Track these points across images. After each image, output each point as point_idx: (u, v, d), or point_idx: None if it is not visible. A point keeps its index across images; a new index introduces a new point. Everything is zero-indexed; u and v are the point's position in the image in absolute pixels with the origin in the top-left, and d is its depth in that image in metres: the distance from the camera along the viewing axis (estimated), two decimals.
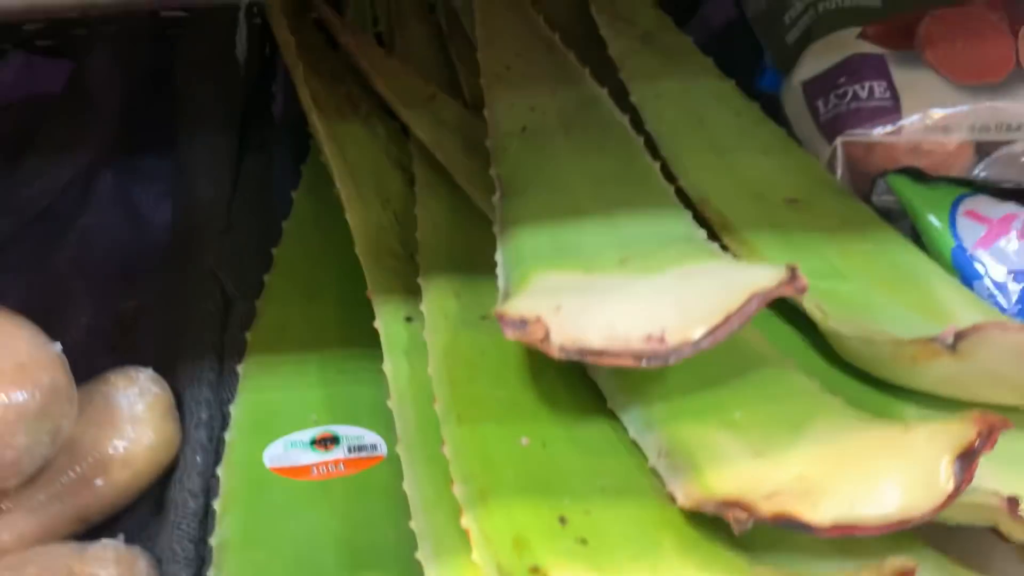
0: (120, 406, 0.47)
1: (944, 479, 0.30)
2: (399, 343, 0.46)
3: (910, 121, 0.56)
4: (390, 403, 0.44)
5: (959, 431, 0.31)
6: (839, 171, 0.56)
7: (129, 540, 0.46)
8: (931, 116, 0.56)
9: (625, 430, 0.39)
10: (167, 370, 0.52)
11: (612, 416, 0.39)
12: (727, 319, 0.33)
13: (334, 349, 0.53)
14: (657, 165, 0.49)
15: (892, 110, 0.56)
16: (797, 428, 0.35)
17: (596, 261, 0.40)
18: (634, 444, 0.38)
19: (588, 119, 0.53)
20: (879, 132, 0.56)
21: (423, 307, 0.46)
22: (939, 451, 0.31)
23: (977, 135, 0.57)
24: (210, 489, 0.47)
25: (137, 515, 0.48)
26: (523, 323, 0.34)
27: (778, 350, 0.42)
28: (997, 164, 0.58)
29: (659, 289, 0.36)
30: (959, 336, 0.36)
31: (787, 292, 0.33)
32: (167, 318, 0.57)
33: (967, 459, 0.30)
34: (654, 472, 0.36)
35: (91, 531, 0.47)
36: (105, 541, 0.44)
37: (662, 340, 0.33)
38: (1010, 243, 0.49)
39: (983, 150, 0.58)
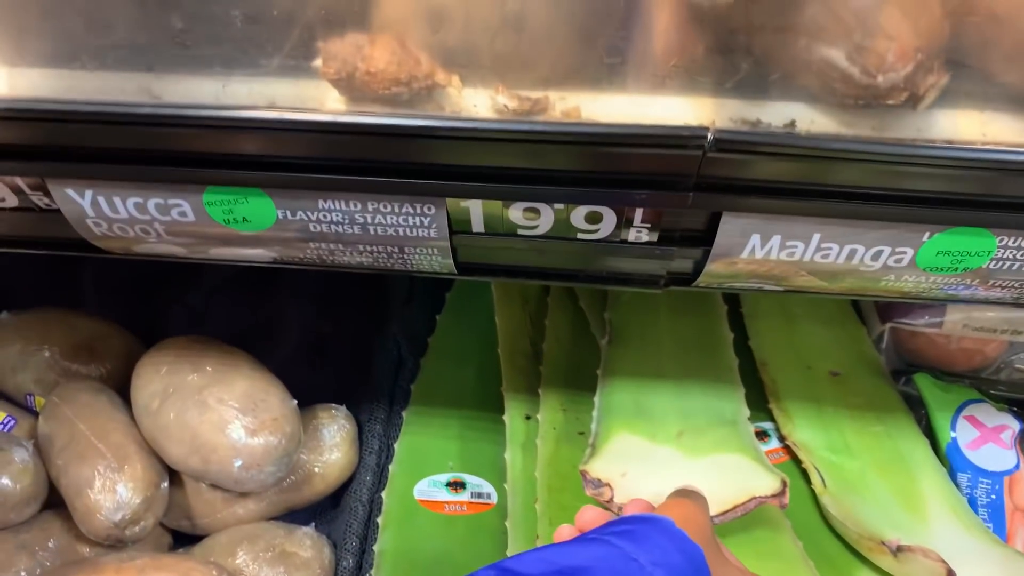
0: (324, 437, 0.68)
1: None
2: (518, 437, 0.65)
3: (952, 319, 0.68)
4: (506, 485, 0.63)
5: None
6: (884, 346, 0.70)
7: (315, 523, 0.67)
8: (972, 318, 0.68)
9: None
10: (350, 400, 0.73)
11: None
12: (733, 508, 0.51)
13: (471, 410, 0.73)
14: (731, 336, 0.65)
15: (939, 308, 0.68)
16: None
17: (660, 429, 0.57)
18: None
19: None
20: (923, 323, 0.69)
21: (539, 415, 0.65)
22: None
23: (1010, 337, 0.69)
24: (373, 503, 0.69)
25: (322, 509, 0.70)
26: (599, 483, 0.52)
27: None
28: (1023, 359, 0.70)
29: (696, 471, 0.53)
30: (899, 549, 0.52)
31: (774, 503, 0.50)
32: (355, 359, 0.77)
33: None
34: None
35: (291, 514, 0.69)
36: (306, 529, 0.66)
37: None
38: (994, 449, 0.63)
39: (1014, 347, 0.70)
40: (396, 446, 0.71)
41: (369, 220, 0.42)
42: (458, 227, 0.43)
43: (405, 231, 0.42)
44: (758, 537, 0.55)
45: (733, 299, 0.71)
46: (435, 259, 0.45)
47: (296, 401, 0.64)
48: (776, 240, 0.41)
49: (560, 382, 0.67)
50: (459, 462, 0.70)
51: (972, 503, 0.61)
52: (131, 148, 0.39)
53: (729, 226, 0.40)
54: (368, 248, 0.44)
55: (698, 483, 0.53)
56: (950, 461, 0.63)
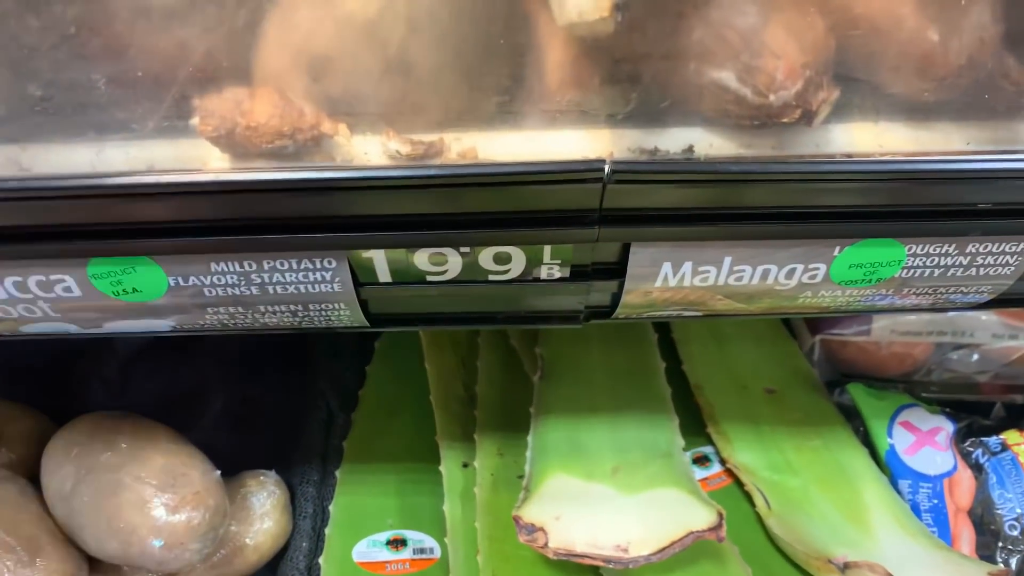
0: (254, 506, 0.65)
1: None
2: (456, 487, 0.63)
3: (879, 326, 0.69)
4: (447, 539, 0.60)
5: None
6: (816, 358, 0.70)
7: None
8: (898, 323, 0.69)
9: None
10: (281, 463, 0.70)
11: None
12: (671, 544, 0.49)
13: (408, 462, 0.70)
14: (663, 365, 0.64)
15: (866, 316, 0.69)
16: None
17: (596, 467, 0.55)
18: None
19: None
20: (852, 332, 0.69)
21: (476, 462, 0.63)
22: None
23: (936, 338, 0.70)
24: (311, 569, 0.65)
25: None
26: (532, 528, 0.51)
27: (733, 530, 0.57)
28: (951, 360, 0.71)
29: (632, 508, 0.52)
30: (846, 566, 0.51)
31: (711, 536, 0.49)
32: (283, 420, 0.75)
33: None
34: None
35: None
36: None
37: (626, 551, 0.50)
38: (931, 453, 0.63)
39: (941, 349, 0.71)
40: (331, 508, 0.68)
41: (267, 280, 0.40)
42: (364, 279, 0.41)
43: (307, 288, 0.40)
44: (705, 570, 0.54)
45: (664, 325, 0.71)
46: (343, 314, 0.43)
47: (220, 471, 0.61)
48: (688, 267, 0.40)
49: (496, 425, 0.65)
50: (399, 518, 0.67)
51: (915, 508, 0.61)
52: (2, 225, 0.37)
53: (639, 256, 0.39)
54: (271, 309, 0.42)
55: (633, 520, 0.51)
56: (890, 468, 0.63)
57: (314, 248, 0.38)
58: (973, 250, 0.40)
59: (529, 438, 0.60)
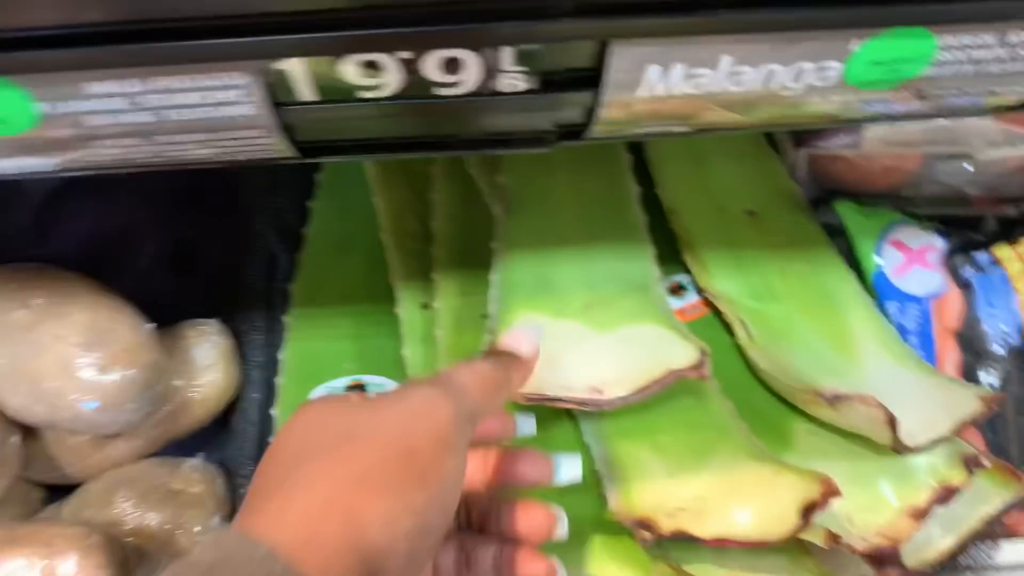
0: (196, 358, 0.60)
1: (791, 521, 0.44)
2: (416, 331, 0.58)
3: (871, 136, 0.63)
4: None
5: (809, 488, 0.44)
6: (800, 174, 0.65)
7: (203, 453, 0.60)
8: (891, 133, 0.63)
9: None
10: (223, 311, 0.64)
11: (576, 419, 0.52)
12: (649, 385, 0.46)
13: (363, 304, 0.65)
14: (637, 191, 0.58)
15: (856, 127, 0.63)
16: (704, 456, 0.48)
17: (566, 304, 0.50)
18: (587, 446, 0.51)
19: None
20: (841, 145, 0.63)
21: (436, 303, 0.57)
22: (792, 499, 0.44)
23: (931, 148, 0.64)
24: (264, 421, 0.61)
25: (209, 434, 0.63)
26: None
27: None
28: (942, 171, 0.66)
29: (607, 347, 0.47)
30: (835, 398, 0.48)
31: (693, 375, 0.45)
32: (221, 264, 0.68)
33: (808, 511, 0.43)
34: (597, 473, 0.49)
35: (180, 446, 0.61)
36: (192, 461, 0.59)
37: (601, 393, 0.46)
38: (921, 272, 0.59)
39: (932, 160, 0.65)
40: (282, 356, 0.63)
41: (161, 103, 0.32)
42: (283, 98, 0.33)
43: (213, 111, 0.33)
44: (685, 406, 0.50)
45: (636, 145, 0.64)
46: (266, 142, 0.36)
47: (154, 324, 0.56)
48: (678, 69, 0.33)
49: (456, 263, 0.60)
50: (356, 363, 0.62)
51: (901, 331, 0.58)
52: None
53: (620, 58, 0.32)
54: (176, 140, 0.35)
55: (609, 360, 0.47)
56: (877, 290, 0.59)
57: (212, 59, 0.30)
58: (1015, 40, 0.34)
59: (493, 275, 0.54)
